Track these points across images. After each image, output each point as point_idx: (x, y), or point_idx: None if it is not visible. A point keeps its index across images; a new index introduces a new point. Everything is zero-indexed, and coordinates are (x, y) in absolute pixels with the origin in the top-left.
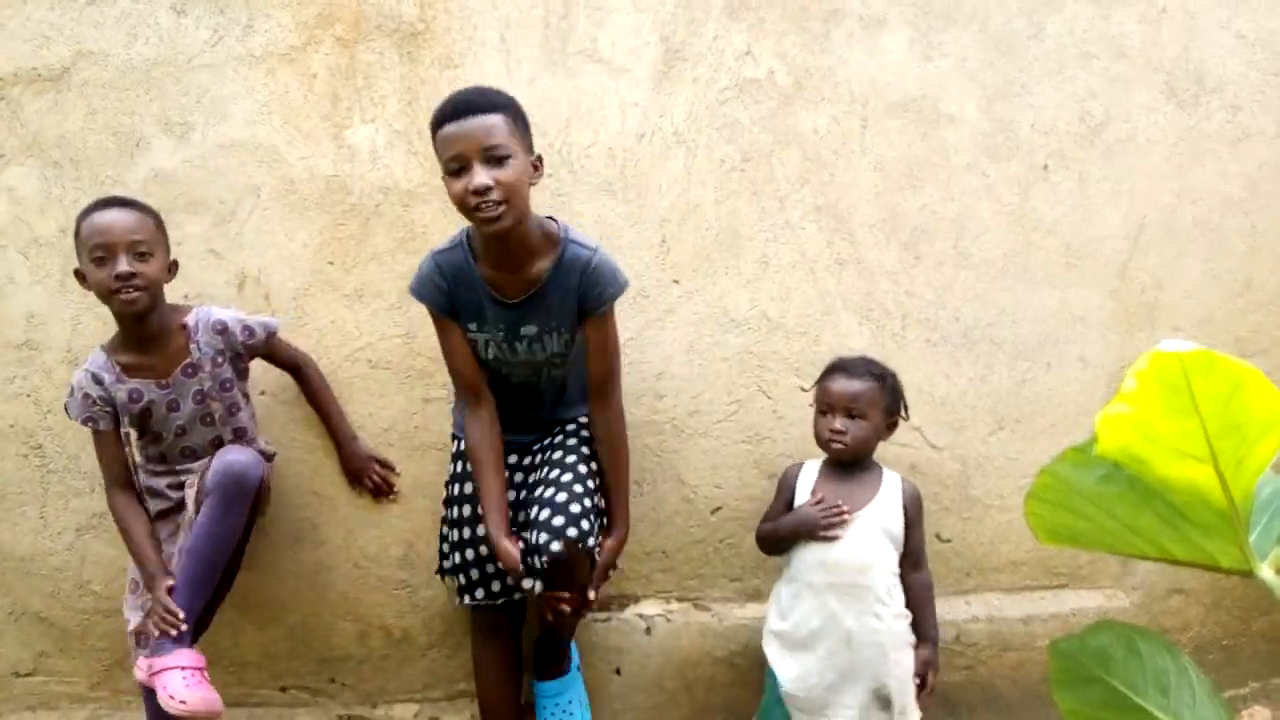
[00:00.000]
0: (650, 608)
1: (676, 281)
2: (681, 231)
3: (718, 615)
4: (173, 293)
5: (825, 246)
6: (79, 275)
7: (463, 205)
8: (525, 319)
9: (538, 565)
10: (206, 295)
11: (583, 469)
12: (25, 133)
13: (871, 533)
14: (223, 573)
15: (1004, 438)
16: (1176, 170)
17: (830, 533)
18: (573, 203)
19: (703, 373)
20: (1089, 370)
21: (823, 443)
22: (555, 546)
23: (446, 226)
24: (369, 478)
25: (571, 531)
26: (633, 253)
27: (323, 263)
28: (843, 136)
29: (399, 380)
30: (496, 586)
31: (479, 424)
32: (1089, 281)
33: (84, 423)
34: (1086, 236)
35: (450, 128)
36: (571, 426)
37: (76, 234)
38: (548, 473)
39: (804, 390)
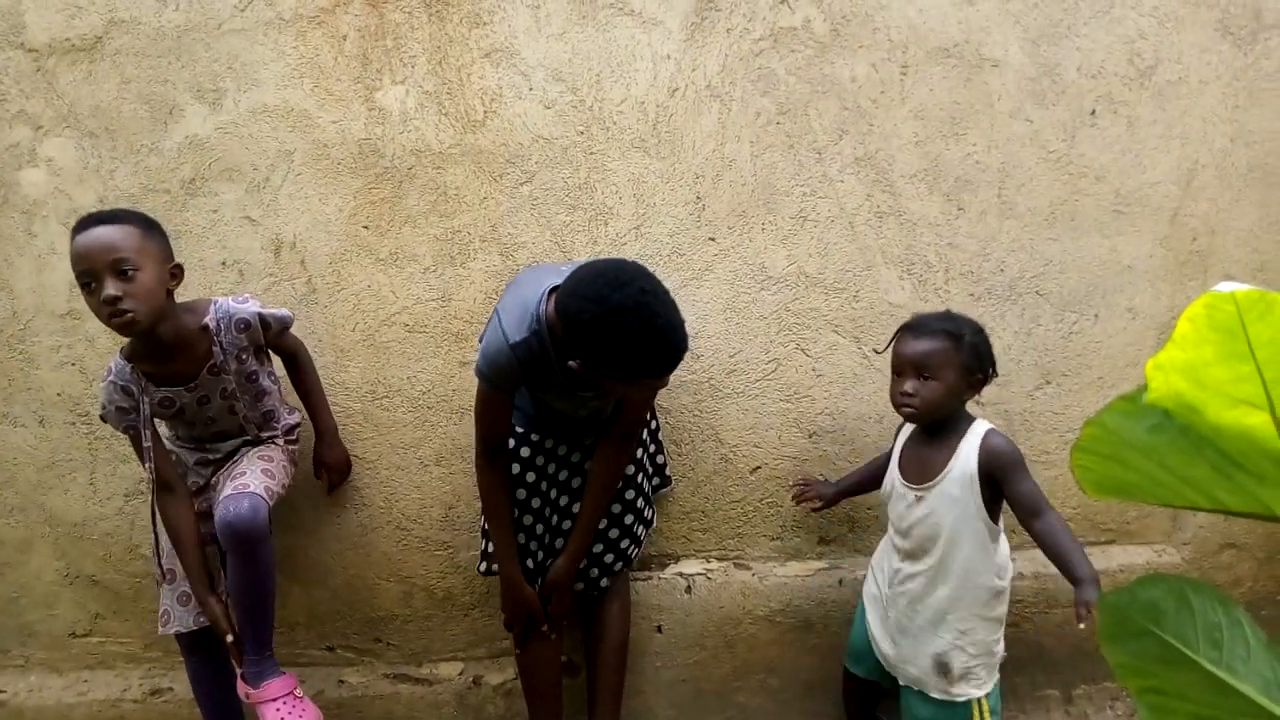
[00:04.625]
0: (690, 567)
1: (712, 239)
2: (717, 187)
3: (758, 574)
4: (212, 258)
5: (865, 199)
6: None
7: None
8: (594, 397)
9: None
10: (245, 262)
11: (635, 497)
12: (61, 104)
13: (942, 503)
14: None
15: (1050, 392)
16: (1231, 111)
17: (802, 507)
18: (606, 160)
19: (740, 331)
20: (1138, 321)
21: (895, 406)
22: (604, 583)
23: (479, 189)
24: (337, 473)
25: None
26: (667, 210)
27: (357, 227)
28: (882, 85)
29: (436, 344)
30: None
31: (498, 475)
32: (1138, 229)
33: (126, 431)
34: (1136, 183)
35: None
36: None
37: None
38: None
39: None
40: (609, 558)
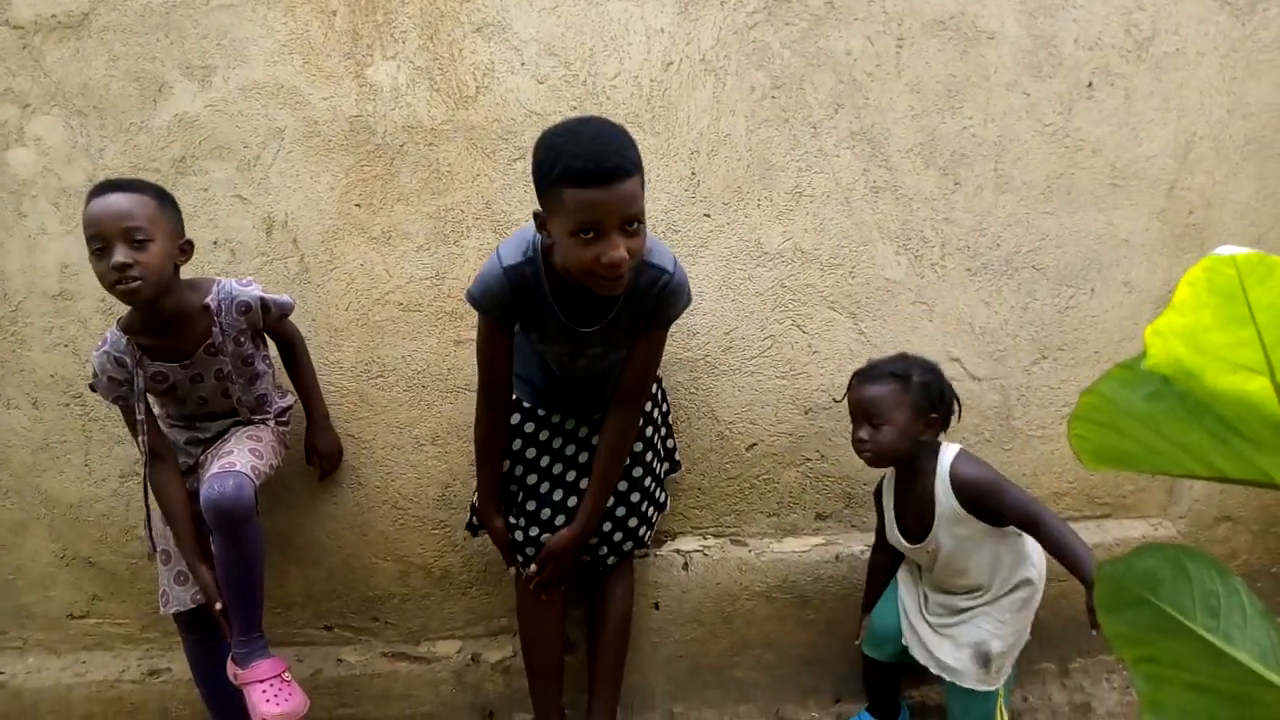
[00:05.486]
0: (687, 544)
1: (707, 215)
2: (712, 163)
3: (755, 550)
4: (203, 237)
5: (860, 174)
6: (92, 264)
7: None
8: (593, 342)
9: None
10: (236, 241)
11: (644, 476)
12: (49, 81)
13: (950, 543)
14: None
15: (1046, 367)
16: (1228, 83)
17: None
18: None
19: (735, 308)
20: (1134, 295)
21: (857, 453)
22: (610, 560)
23: (472, 165)
24: (330, 460)
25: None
26: (662, 186)
27: (349, 205)
28: (877, 57)
29: (430, 323)
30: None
31: (495, 423)
32: (1135, 203)
33: (114, 401)
34: (1132, 156)
35: None
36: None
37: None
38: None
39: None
40: (617, 535)
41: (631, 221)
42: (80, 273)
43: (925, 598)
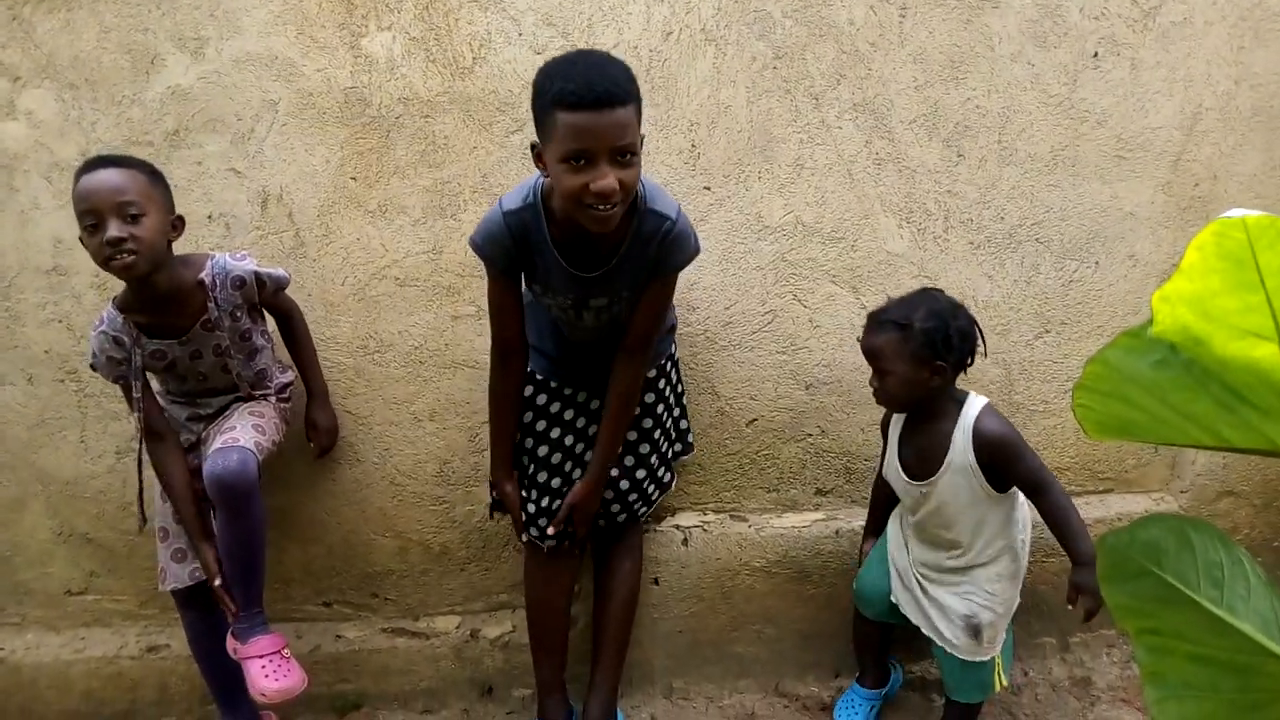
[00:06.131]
0: (687, 519)
1: (708, 188)
2: (712, 135)
3: (755, 525)
4: (197, 211)
5: (863, 146)
6: (83, 241)
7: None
8: (595, 292)
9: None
10: (231, 216)
11: (653, 440)
12: (39, 54)
13: (949, 493)
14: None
15: (1050, 341)
16: (1236, 53)
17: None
18: None
19: (736, 282)
20: (1139, 269)
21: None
22: (621, 517)
23: (468, 138)
24: (327, 436)
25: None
26: (661, 159)
27: (345, 178)
28: (880, 27)
29: (427, 297)
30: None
31: (508, 380)
32: (1140, 175)
33: (116, 381)
34: (1138, 127)
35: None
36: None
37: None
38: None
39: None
40: (624, 484)
41: (624, 152)
42: (74, 248)
43: (911, 555)
